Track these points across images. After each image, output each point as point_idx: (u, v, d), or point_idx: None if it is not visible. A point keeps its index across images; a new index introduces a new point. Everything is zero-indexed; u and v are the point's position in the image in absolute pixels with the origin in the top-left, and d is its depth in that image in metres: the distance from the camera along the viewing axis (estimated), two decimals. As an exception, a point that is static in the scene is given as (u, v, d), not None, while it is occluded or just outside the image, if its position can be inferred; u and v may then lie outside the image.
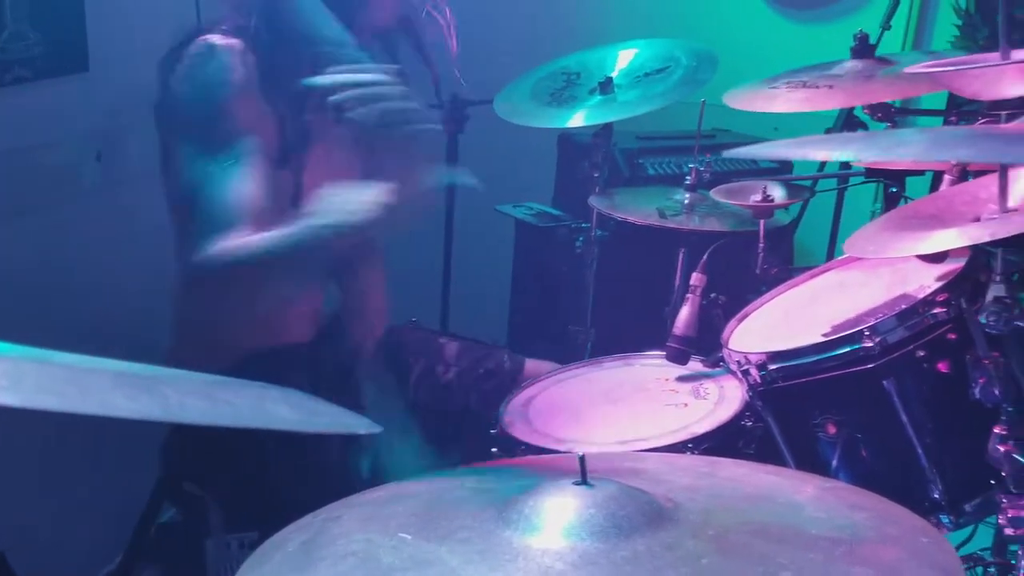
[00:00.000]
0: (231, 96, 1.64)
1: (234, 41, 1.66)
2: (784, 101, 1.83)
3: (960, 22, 3.09)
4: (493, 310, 3.21)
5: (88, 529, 2.25)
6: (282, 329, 1.89)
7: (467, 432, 1.99)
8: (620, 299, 2.57)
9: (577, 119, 2.31)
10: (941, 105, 2.38)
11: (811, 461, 1.52)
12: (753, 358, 1.50)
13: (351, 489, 1.06)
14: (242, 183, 1.61)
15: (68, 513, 2.26)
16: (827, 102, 1.81)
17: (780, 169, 2.94)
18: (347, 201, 1.59)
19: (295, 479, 1.68)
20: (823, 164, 2.81)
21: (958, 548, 1.96)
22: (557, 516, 0.86)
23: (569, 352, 2.43)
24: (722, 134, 3.00)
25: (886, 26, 2.78)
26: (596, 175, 2.46)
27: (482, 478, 1.06)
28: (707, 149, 2.48)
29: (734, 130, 3.05)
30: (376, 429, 0.81)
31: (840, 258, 1.79)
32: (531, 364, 2.12)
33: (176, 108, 1.69)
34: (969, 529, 1.82)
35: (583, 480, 0.89)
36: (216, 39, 1.67)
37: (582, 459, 0.89)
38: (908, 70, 1.35)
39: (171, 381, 0.66)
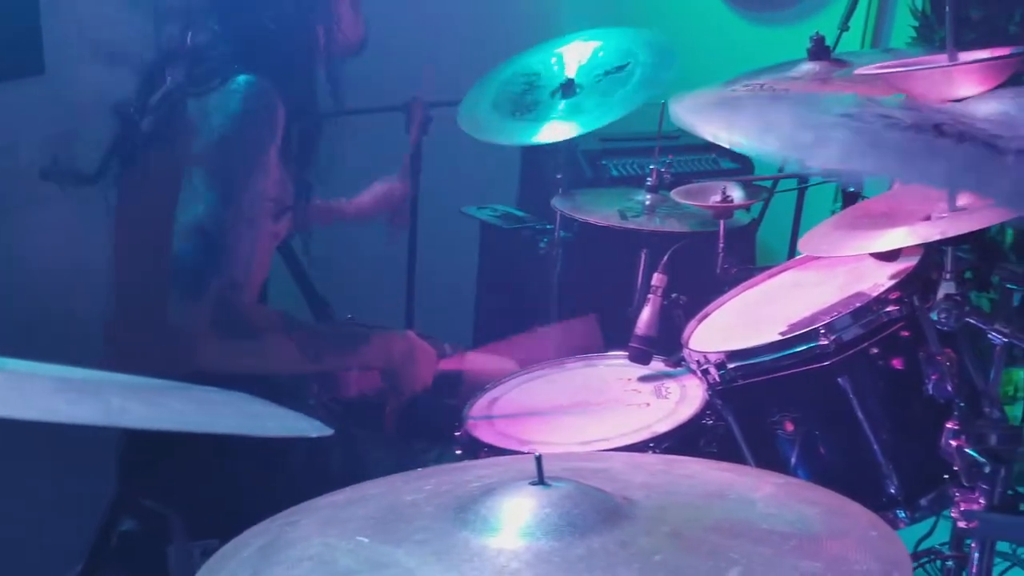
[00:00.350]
0: (269, 148, 1.64)
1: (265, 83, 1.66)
2: (742, 103, 1.84)
3: (917, 23, 3.14)
4: (459, 311, 3.21)
5: (48, 537, 2.23)
6: None
7: (423, 426, 1.99)
8: (584, 299, 2.59)
9: (544, 134, 2.29)
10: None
11: (771, 458, 1.54)
12: (712, 357, 1.52)
13: (317, 493, 1.06)
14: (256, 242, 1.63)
15: (28, 521, 2.24)
16: (786, 104, 1.82)
17: (741, 170, 2.97)
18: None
19: (258, 486, 1.68)
20: (782, 169, 2.85)
21: (919, 542, 2.00)
22: (514, 516, 0.87)
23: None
24: (684, 135, 3.02)
25: (844, 27, 2.82)
26: (559, 177, 2.47)
27: (440, 479, 1.07)
28: (669, 150, 2.49)
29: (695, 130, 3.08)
30: (327, 431, 0.81)
31: (797, 258, 1.81)
32: (474, 357, 2.13)
33: (216, 144, 1.67)
34: (930, 523, 1.84)
35: (540, 480, 0.90)
36: (258, 80, 1.66)
37: (539, 459, 0.90)
38: (858, 71, 1.37)
39: (115, 386, 0.66)
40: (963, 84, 1.17)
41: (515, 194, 3.25)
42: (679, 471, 1.07)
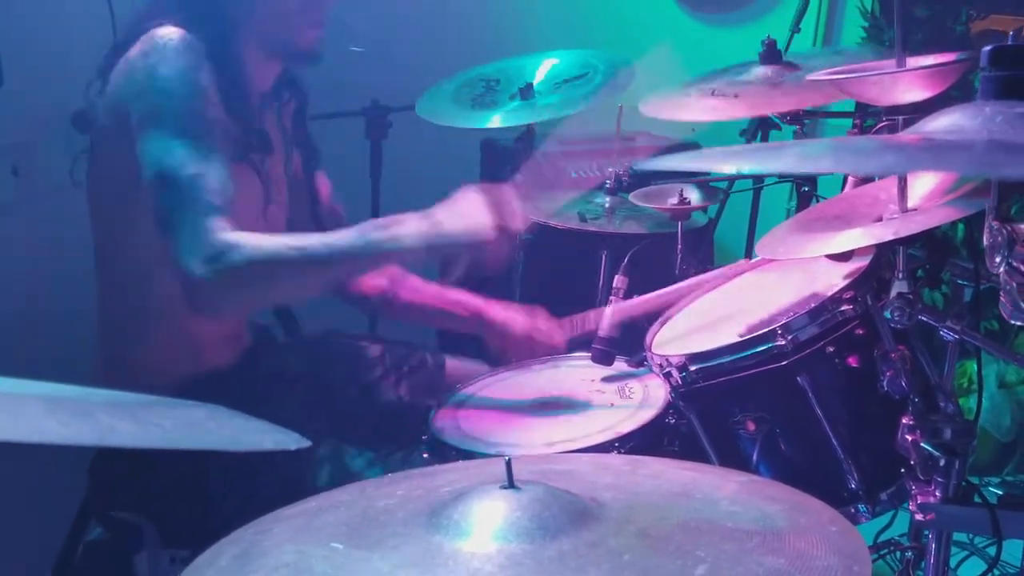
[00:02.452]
0: (195, 85, 1.62)
1: (188, 35, 1.64)
2: (693, 110, 1.89)
3: (867, 23, 3.21)
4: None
5: (15, 545, 2.21)
6: (211, 350, 1.88)
7: (399, 432, 2.00)
8: (546, 301, 2.60)
9: (497, 120, 2.34)
10: (850, 107, 2.47)
11: (734, 456, 1.57)
12: (674, 360, 1.55)
13: (291, 502, 1.07)
14: (219, 169, 1.58)
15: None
16: (733, 111, 1.87)
17: (698, 171, 3.01)
18: (470, 216, 1.62)
19: (230, 495, 1.68)
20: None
21: (879, 534, 2.04)
22: (485, 520, 0.89)
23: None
24: (642, 136, 3.06)
25: (796, 29, 2.88)
26: (519, 178, 2.50)
27: (411, 484, 1.08)
28: (628, 152, 2.52)
29: (654, 132, 3.12)
30: (305, 443, 0.82)
31: (755, 260, 1.85)
32: (452, 362, 2.16)
33: (134, 98, 1.64)
34: (889, 515, 1.89)
35: (510, 484, 0.92)
36: (170, 32, 1.64)
37: (508, 463, 0.92)
38: (809, 78, 1.41)
39: (102, 403, 0.66)
40: (910, 89, 1.21)
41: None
42: (644, 471, 1.10)
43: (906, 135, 0.84)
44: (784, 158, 0.81)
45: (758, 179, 2.60)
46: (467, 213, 1.66)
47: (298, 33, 1.81)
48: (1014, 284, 0.86)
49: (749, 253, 2.78)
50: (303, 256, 1.58)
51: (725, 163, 1.03)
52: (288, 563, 0.86)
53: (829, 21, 3.29)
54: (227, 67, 1.70)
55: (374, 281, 2.09)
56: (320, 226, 1.95)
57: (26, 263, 2.21)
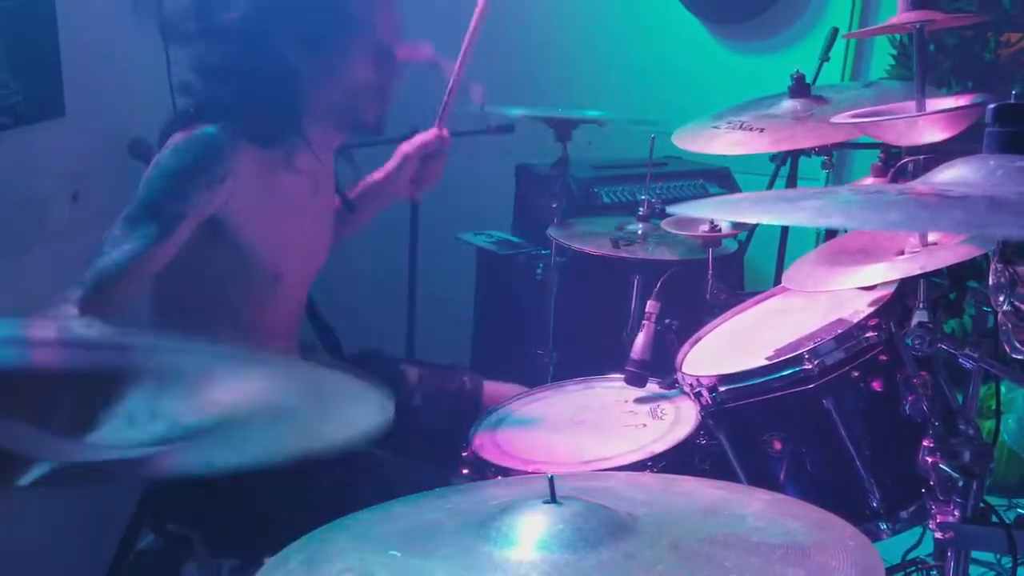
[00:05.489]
0: (181, 182, 1.73)
1: (222, 132, 1.75)
2: (723, 143, 1.96)
3: (895, 52, 3.26)
4: (457, 335, 3.30)
5: (67, 555, 2.30)
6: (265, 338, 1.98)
7: (438, 452, 2.08)
8: (580, 323, 2.68)
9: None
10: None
11: (761, 475, 1.64)
12: (704, 381, 1.62)
13: (339, 515, 1.15)
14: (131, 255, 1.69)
15: (46, 539, 2.31)
16: (758, 146, 1.93)
17: (727, 194, 3.08)
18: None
19: (280, 507, 1.75)
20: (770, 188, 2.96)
21: (906, 553, 2.09)
22: (530, 532, 0.97)
23: (532, 374, 2.53)
24: (673, 161, 3.13)
25: (825, 58, 2.94)
26: (554, 205, 2.58)
27: (459, 498, 1.17)
28: (658, 177, 2.60)
29: (684, 157, 3.19)
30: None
31: (781, 285, 1.91)
32: (490, 385, 2.23)
33: (147, 171, 1.78)
34: (916, 534, 1.94)
35: (552, 499, 1.00)
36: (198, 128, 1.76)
37: (551, 480, 1.00)
38: (832, 120, 1.48)
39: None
40: (930, 131, 1.28)
41: (509, 220, 3.35)
42: (676, 489, 1.17)
43: (917, 185, 0.92)
44: (800, 212, 0.90)
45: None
46: None
47: (365, 109, 1.91)
48: (1009, 325, 0.93)
49: (779, 277, 2.85)
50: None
51: (746, 214, 1.11)
52: (352, 567, 0.94)
53: (858, 50, 3.35)
54: (283, 144, 1.81)
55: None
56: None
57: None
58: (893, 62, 3.26)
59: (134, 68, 2.43)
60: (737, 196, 1.13)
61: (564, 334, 2.68)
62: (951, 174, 0.87)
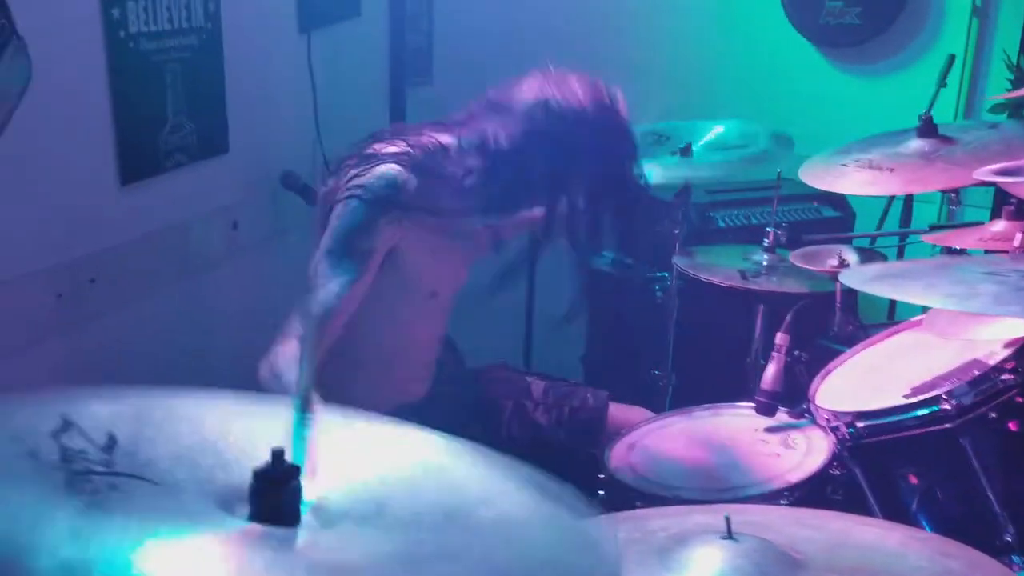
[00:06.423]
0: (369, 225, 1.83)
1: (405, 173, 1.85)
2: (852, 182, 2.02)
3: (1011, 76, 3.27)
4: (569, 353, 3.40)
5: None
6: (404, 384, 2.12)
7: (566, 467, 2.18)
8: (699, 348, 2.75)
9: (652, 174, 2.48)
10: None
11: (893, 506, 1.71)
12: (842, 416, 1.70)
13: None
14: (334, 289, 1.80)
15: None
16: (889, 187, 1.99)
17: (843, 218, 3.12)
18: None
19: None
20: (883, 219, 3.00)
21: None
22: (711, 564, 1.07)
23: (647, 395, 2.60)
24: (787, 184, 3.18)
25: (942, 84, 2.96)
26: (676, 232, 2.67)
27: (627, 527, 1.27)
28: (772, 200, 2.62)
29: (797, 179, 3.24)
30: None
31: (912, 319, 1.98)
32: (613, 407, 2.32)
33: (338, 212, 1.87)
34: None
35: (728, 535, 1.10)
36: (392, 169, 1.85)
37: (727, 518, 1.11)
38: (974, 175, 1.54)
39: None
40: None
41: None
42: (833, 526, 1.26)
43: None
44: (976, 300, 0.97)
45: (903, 236, 2.71)
46: None
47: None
48: None
49: (893, 306, 2.88)
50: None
51: (919, 296, 1.18)
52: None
53: (974, 75, 3.37)
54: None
55: None
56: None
57: (237, 306, 2.50)
58: (1009, 86, 3.27)
59: (286, 110, 2.62)
60: (899, 267, 1.20)
61: (683, 357, 2.75)
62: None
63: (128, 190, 2.02)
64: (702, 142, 2.58)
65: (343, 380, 2.02)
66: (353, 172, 1.86)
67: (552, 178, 1.88)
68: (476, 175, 1.87)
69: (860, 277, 1.35)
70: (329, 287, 1.77)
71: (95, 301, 1.95)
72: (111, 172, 1.98)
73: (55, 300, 1.84)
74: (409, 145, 1.90)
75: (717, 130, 2.63)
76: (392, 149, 1.90)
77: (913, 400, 1.62)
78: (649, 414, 2.20)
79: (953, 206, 2.14)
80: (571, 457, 2.19)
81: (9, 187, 1.71)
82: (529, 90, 1.87)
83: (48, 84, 1.75)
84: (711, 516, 1.20)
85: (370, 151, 1.90)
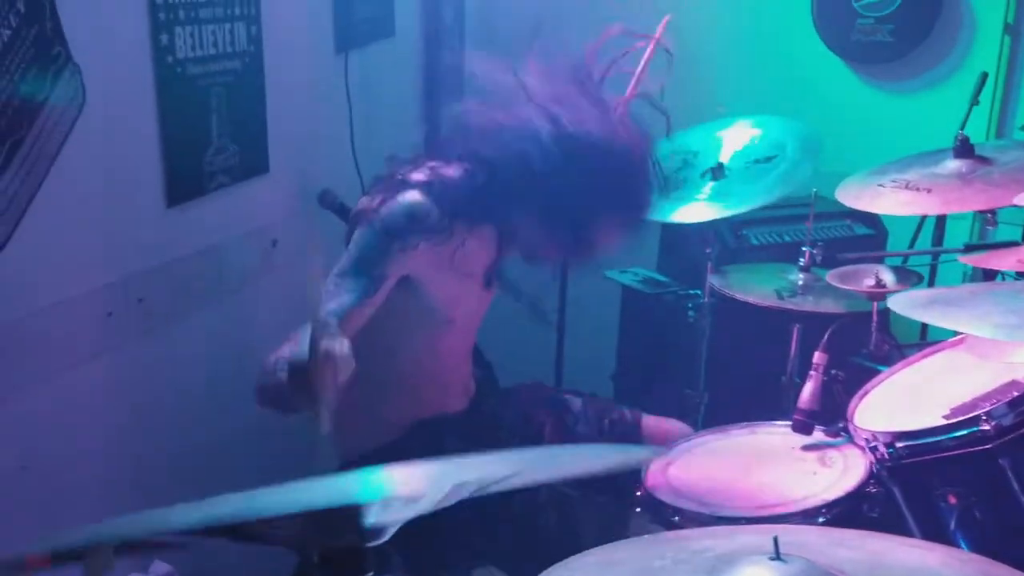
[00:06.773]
0: (385, 248, 1.88)
1: (427, 203, 1.90)
2: (891, 203, 2.04)
3: (1044, 95, 3.27)
4: (599, 370, 3.42)
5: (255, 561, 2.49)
6: (441, 400, 2.15)
7: (603, 482, 2.19)
8: (732, 366, 2.76)
9: (684, 214, 2.52)
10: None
11: (931, 524, 1.72)
12: (881, 436, 1.71)
13: (529, 546, 1.26)
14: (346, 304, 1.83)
15: (231, 554, 2.51)
16: (928, 207, 2.00)
17: (875, 236, 3.12)
18: None
19: (475, 534, 1.90)
20: (916, 237, 3.00)
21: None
22: (759, 585, 1.09)
23: (677, 415, 2.59)
24: (819, 201, 3.19)
25: (974, 102, 2.96)
26: (708, 251, 2.68)
27: (672, 547, 1.29)
28: (805, 217, 2.63)
29: (829, 196, 3.25)
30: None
31: (949, 340, 1.99)
32: (648, 419, 2.34)
33: (356, 236, 1.93)
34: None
35: (776, 556, 1.12)
36: (413, 198, 1.90)
37: (775, 540, 1.12)
38: (1015, 201, 1.56)
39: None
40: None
41: (655, 258, 3.43)
42: (872, 546, 1.27)
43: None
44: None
45: (935, 255, 2.72)
46: None
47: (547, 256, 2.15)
48: None
49: (925, 328, 2.87)
50: None
51: (972, 326, 1.19)
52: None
53: (1006, 92, 3.37)
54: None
55: None
56: None
57: (275, 321, 2.53)
58: (1042, 104, 3.27)
59: (324, 129, 2.66)
60: (946, 293, 1.21)
61: (715, 376, 2.76)
62: None
63: (174, 211, 2.06)
64: (731, 155, 2.58)
65: (372, 401, 2.07)
66: (380, 197, 1.91)
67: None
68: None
69: (908, 303, 1.37)
70: (333, 303, 1.80)
71: (143, 319, 1.99)
72: (158, 194, 2.02)
73: (105, 319, 1.89)
74: (435, 173, 1.94)
75: (742, 138, 2.63)
76: (419, 176, 1.94)
77: (953, 421, 1.64)
78: (685, 427, 2.21)
79: (990, 226, 2.15)
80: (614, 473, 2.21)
81: (63, 209, 1.75)
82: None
83: (100, 109, 1.80)
84: (756, 536, 1.22)
85: (399, 177, 1.95)
